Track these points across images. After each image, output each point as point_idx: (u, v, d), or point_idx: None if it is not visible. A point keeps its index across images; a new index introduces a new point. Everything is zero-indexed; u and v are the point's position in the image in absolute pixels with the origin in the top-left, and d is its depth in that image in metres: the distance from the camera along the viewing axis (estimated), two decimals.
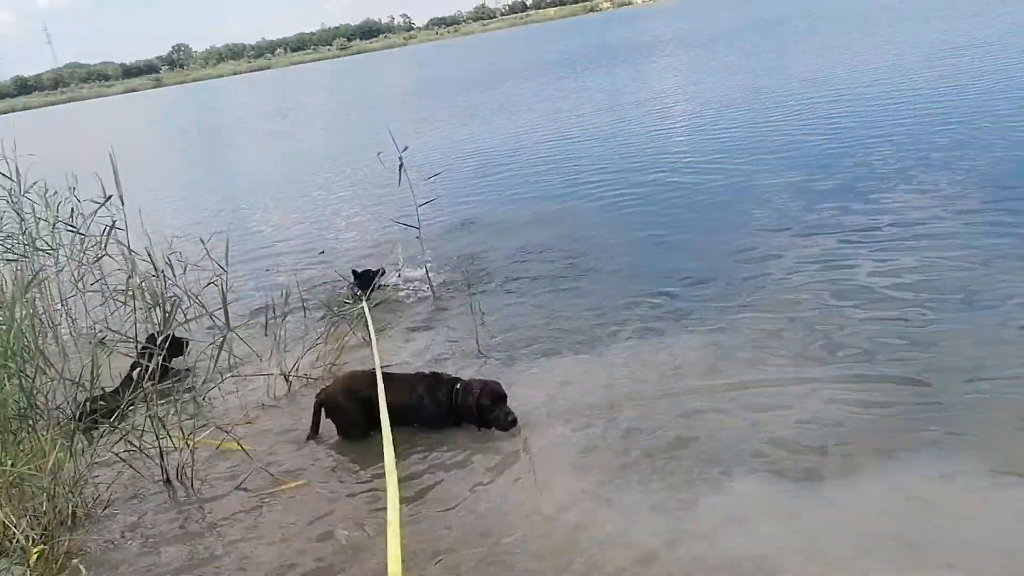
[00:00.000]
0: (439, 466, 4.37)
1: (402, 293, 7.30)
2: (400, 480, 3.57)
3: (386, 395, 4.55)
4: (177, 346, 5.99)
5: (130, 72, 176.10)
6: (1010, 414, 3.98)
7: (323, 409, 4.81)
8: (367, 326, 5.34)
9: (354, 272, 7.40)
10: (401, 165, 7.10)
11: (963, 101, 11.88)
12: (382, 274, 7.35)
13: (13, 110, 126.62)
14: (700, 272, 6.56)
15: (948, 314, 5.11)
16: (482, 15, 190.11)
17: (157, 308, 7.10)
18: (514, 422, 4.49)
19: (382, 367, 4.49)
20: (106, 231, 6.99)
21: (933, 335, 4.87)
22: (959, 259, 5.92)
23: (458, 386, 4.65)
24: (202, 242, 6.32)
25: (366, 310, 5.23)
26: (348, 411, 4.73)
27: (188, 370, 6.14)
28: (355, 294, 7.11)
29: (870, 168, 8.91)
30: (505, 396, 4.56)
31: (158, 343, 4.88)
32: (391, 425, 4.21)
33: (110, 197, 6.48)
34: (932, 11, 27.77)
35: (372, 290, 7.14)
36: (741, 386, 4.66)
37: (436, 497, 4.08)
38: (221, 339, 5.33)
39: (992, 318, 4.97)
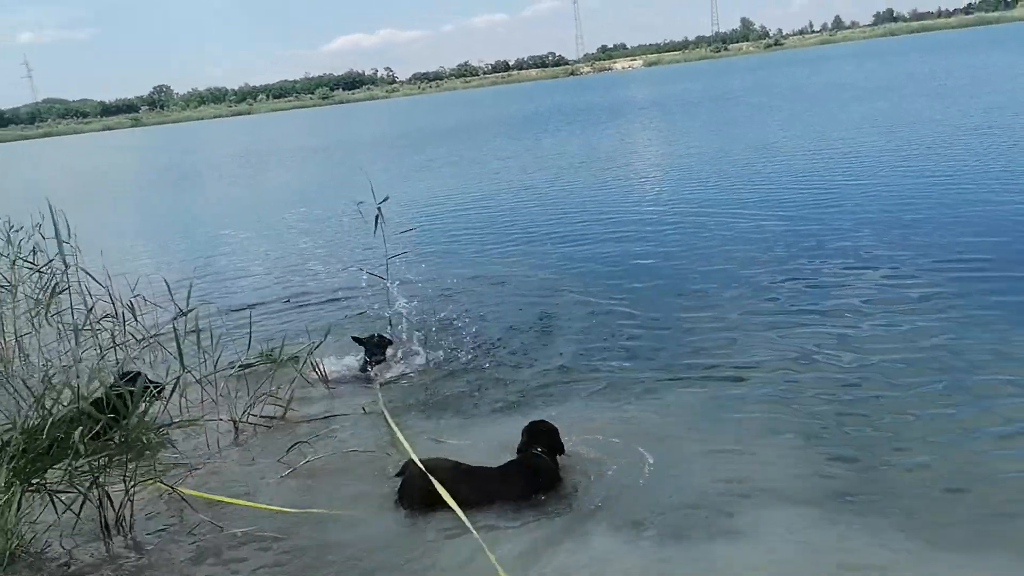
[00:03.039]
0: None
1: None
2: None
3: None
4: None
5: (109, 110, 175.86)
6: (938, 500, 4.05)
7: None
8: (386, 420, 5.12)
9: (357, 339, 6.72)
10: (379, 216, 7.05)
11: (915, 175, 12.47)
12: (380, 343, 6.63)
13: None
14: (655, 340, 6.64)
15: (891, 389, 5.23)
16: (465, 72, 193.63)
17: (114, 349, 7.13)
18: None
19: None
20: (65, 271, 7.02)
21: (871, 410, 4.98)
22: (910, 333, 6.10)
23: None
24: (167, 284, 6.39)
25: (381, 404, 4.95)
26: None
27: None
28: (369, 361, 6.50)
29: (823, 239, 9.20)
30: None
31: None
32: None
33: (60, 247, 6.52)
34: (887, 89, 29.02)
35: (381, 358, 6.53)
36: (673, 448, 4.78)
37: None
38: (174, 381, 5.32)
39: (938, 395, 5.09)
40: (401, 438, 4.96)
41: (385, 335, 6.73)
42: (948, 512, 3.92)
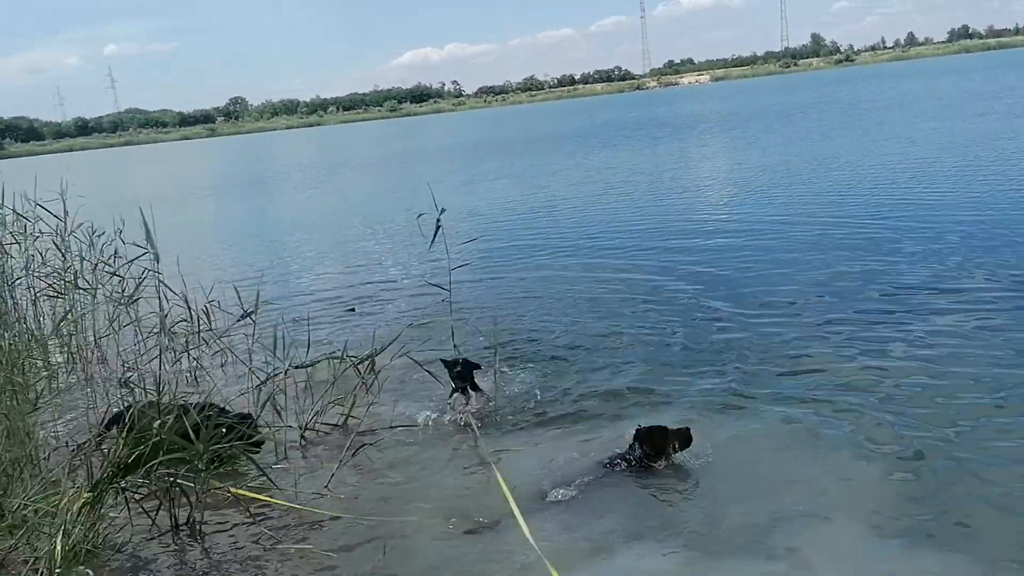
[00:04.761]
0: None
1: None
2: None
3: None
4: None
5: (187, 121, 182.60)
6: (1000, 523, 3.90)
7: None
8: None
9: (446, 362, 6.25)
10: (438, 228, 7.06)
11: (981, 194, 12.16)
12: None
13: (72, 150, 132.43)
14: (725, 355, 6.52)
15: (974, 416, 5.01)
16: (531, 86, 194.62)
17: (187, 352, 7.31)
18: None
19: None
20: (143, 275, 7.22)
21: (952, 439, 4.76)
22: (995, 358, 5.84)
23: None
24: (236, 291, 6.52)
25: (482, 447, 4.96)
26: None
27: None
28: (456, 388, 6.06)
29: (899, 256, 8.96)
30: None
31: None
32: None
33: (143, 254, 6.69)
34: (958, 106, 28.10)
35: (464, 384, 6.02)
36: (738, 466, 4.69)
37: None
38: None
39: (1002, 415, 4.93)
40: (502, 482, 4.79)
41: (471, 359, 6.31)
42: None
